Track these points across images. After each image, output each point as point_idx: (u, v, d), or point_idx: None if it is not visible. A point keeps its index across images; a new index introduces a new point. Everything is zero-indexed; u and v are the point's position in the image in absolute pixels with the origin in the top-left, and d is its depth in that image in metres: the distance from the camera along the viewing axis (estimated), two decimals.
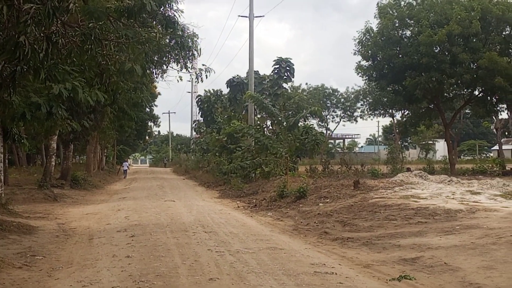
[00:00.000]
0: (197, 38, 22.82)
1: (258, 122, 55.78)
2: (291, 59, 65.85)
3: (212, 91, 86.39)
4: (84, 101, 18.49)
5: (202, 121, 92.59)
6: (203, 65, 25.10)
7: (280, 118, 43.98)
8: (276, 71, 65.28)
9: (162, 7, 17.03)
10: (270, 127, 56.78)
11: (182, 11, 18.19)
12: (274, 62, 65.49)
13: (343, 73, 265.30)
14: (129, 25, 15.52)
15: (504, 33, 54.56)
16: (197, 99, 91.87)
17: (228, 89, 73.44)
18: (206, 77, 24.66)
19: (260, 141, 45.87)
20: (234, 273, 13.34)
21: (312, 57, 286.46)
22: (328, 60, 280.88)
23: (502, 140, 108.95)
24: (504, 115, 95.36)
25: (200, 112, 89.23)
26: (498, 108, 64.22)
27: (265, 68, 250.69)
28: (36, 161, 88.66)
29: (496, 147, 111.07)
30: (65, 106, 20.01)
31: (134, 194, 43.72)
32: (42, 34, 12.87)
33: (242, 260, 14.82)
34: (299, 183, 34.07)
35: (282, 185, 33.91)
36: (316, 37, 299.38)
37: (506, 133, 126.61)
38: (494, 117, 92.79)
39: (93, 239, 19.78)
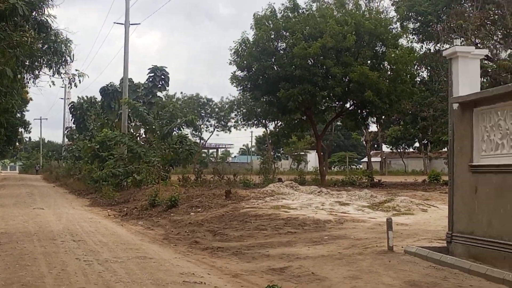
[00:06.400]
0: (70, 44, 22.49)
1: (132, 130, 55.32)
2: (166, 67, 65.49)
3: (85, 98, 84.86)
4: None
5: (74, 128, 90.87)
6: (76, 70, 24.73)
7: (154, 127, 43.74)
8: (151, 79, 64.64)
9: (35, 12, 16.67)
10: (144, 136, 56.37)
11: (55, 17, 17.90)
12: (149, 70, 64.88)
13: (216, 82, 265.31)
14: (0, 28, 15.11)
15: (375, 48, 56.00)
16: (70, 105, 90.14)
17: (102, 96, 72.32)
18: (80, 82, 24.22)
19: (133, 149, 45.53)
20: (102, 282, 13.15)
21: (184, 66, 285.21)
22: (201, 69, 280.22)
23: (371, 152, 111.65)
24: (373, 128, 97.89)
25: (73, 119, 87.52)
26: (368, 121, 65.82)
27: (137, 75, 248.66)
28: None
29: (366, 159, 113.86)
30: None
31: (1, 201, 42.46)
32: None
33: (111, 270, 14.62)
34: (171, 192, 33.94)
35: (153, 193, 33.68)
36: (188, 45, 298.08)
37: (375, 145, 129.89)
38: (364, 130, 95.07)
39: None
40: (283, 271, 14.50)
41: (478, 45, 53.04)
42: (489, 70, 54.52)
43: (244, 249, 18.12)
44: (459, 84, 15.46)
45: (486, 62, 52.89)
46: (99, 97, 76.12)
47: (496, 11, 57.06)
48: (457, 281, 12.62)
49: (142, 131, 57.36)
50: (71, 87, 25.73)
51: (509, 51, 57.71)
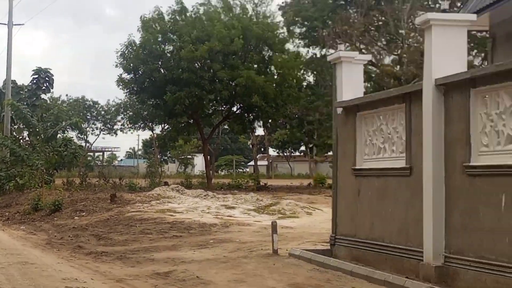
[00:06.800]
0: None
1: (15, 133, 54.03)
2: (50, 69, 64.30)
3: None
4: None
5: None
6: None
7: (37, 129, 42.88)
8: (34, 81, 63.41)
9: None
10: (27, 139, 55.13)
11: None
12: (33, 72, 63.67)
13: (102, 85, 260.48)
14: None
15: (262, 52, 56.41)
16: None
17: None
18: None
19: (16, 153, 44.46)
20: None
21: (70, 68, 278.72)
22: (86, 71, 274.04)
23: (258, 156, 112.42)
24: (260, 131, 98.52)
25: None
26: (254, 125, 66.20)
27: (21, 77, 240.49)
28: None
29: (252, 162, 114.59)
30: None
31: None
32: None
33: None
34: (55, 196, 33.35)
35: (36, 198, 32.97)
36: (74, 47, 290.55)
37: (262, 149, 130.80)
38: (250, 133, 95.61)
39: None
40: (167, 275, 14.39)
41: (363, 50, 54.27)
42: (373, 75, 55.79)
43: (129, 253, 17.94)
44: (343, 88, 15.70)
45: (370, 67, 54.14)
46: None
47: (380, 18, 58.51)
48: (339, 283, 12.79)
49: (25, 133, 56.09)
50: None
51: (392, 56, 59.23)
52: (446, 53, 12.26)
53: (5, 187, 45.55)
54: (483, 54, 52.15)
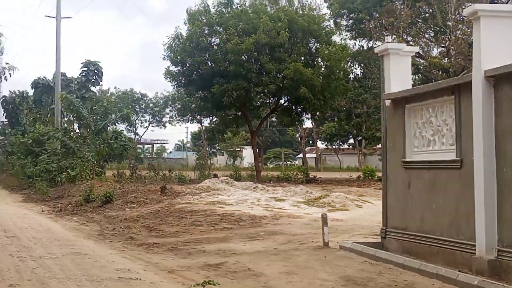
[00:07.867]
0: (0, 37, 22.16)
1: (66, 125, 54.73)
2: (99, 62, 64.96)
3: (17, 92, 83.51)
4: None
5: (6, 122, 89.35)
6: (6, 63, 24.39)
7: (88, 122, 43.40)
8: (84, 74, 64.12)
9: None
10: (78, 131, 55.79)
11: None
12: (82, 65, 64.35)
13: (150, 78, 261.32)
14: None
15: (309, 44, 56.34)
16: (1, 100, 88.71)
17: (33, 90, 71.39)
18: (10, 76, 23.90)
19: (67, 145, 45.10)
20: (35, 279, 12.99)
21: (117, 60, 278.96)
22: (133, 64, 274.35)
23: (306, 149, 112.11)
24: (308, 124, 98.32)
25: (5, 114, 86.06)
26: (302, 117, 66.13)
27: (70, 70, 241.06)
28: None
29: (301, 155, 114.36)
30: None
31: None
32: None
33: (45, 266, 14.46)
34: (106, 187, 33.71)
35: (88, 189, 33.45)
36: (121, 39, 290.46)
37: (310, 141, 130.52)
38: (299, 126, 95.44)
39: None
40: (219, 266, 14.50)
41: (410, 42, 53.78)
42: (421, 68, 55.31)
43: (180, 245, 18.09)
44: (391, 81, 15.67)
45: (417, 59, 53.64)
46: (31, 92, 75.19)
47: (427, 9, 57.94)
48: (391, 276, 12.78)
49: (76, 126, 56.75)
50: (1, 81, 25.38)
51: (440, 48, 58.64)
52: (495, 45, 12.18)
53: (57, 179, 46.15)
54: None
